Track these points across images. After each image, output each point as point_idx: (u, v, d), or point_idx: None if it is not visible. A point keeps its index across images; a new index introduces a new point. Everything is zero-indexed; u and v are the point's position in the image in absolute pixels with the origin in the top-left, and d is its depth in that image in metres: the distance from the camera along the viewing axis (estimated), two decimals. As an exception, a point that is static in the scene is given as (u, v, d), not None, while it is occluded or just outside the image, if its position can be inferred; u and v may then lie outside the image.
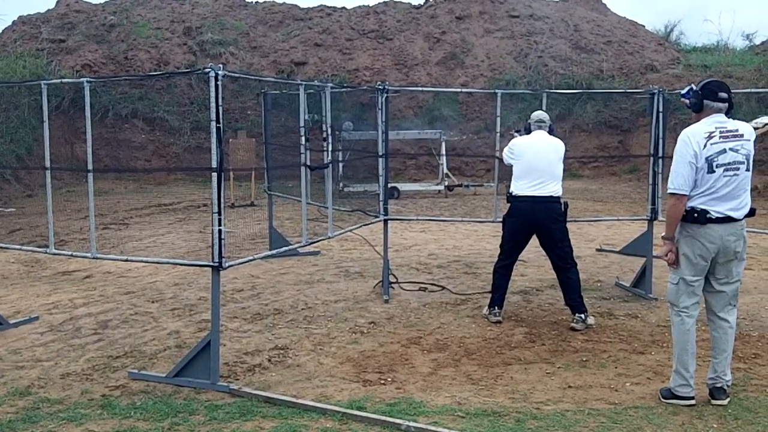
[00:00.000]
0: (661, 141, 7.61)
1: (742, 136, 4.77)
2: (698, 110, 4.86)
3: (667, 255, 4.91)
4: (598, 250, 10.41)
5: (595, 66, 22.34)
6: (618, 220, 10.05)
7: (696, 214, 4.74)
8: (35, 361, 5.72)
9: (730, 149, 4.72)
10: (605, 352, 5.90)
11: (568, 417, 4.59)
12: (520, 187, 6.75)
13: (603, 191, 17.46)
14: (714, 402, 4.81)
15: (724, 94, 4.80)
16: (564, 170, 6.90)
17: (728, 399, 4.82)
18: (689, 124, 4.93)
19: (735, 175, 4.71)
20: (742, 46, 25.67)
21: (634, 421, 4.54)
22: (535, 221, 6.70)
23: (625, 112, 20.67)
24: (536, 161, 6.72)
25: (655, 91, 7.63)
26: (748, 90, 17.11)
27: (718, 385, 4.85)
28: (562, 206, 6.76)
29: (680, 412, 4.67)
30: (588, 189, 17.78)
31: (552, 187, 6.68)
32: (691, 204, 4.76)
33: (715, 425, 4.47)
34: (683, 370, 4.82)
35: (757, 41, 25.60)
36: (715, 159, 4.70)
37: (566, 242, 6.77)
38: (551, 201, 6.67)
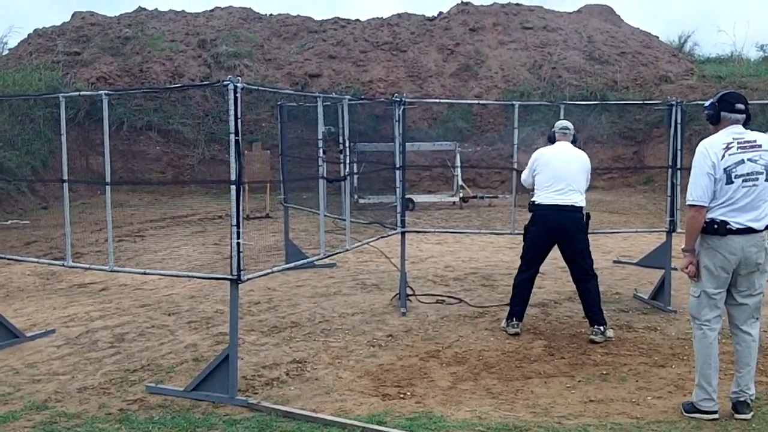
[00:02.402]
0: (678, 152, 7.55)
1: (760, 146, 4.73)
2: (716, 122, 4.84)
3: (687, 267, 4.87)
4: (615, 262, 10.33)
5: (609, 77, 22.29)
6: (636, 232, 9.98)
7: (716, 226, 4.70)
8: (52, 375, 5.72)
9: (749, 160, 4.69)
10: (625, 366, 5.83)
11: (590, 431, 4.54)
12: (543, 196, 6.72)
13: (618, 203, 17.36)
14: (737, 416, 4.74)
15: (741, 105, 4.78)
16: (589, 183, 6.89)
17: (752, 413, 4.75)
18: (704, 136, 4.91)
19: (754, 185, 4.68)
20: (756, 57, 25.58)
21: (657, 436, 4.48)
22: (558, 230, 6.66)
23: (639, 123, 20.60)
24: (561, 170, 6.70)
25: (674, 102, 7.58)
26: (763, 101, 17.02)
27: (742, 399, 4.78)
28: (585, 217, 6.73)
29: (703, 427, 4.60)
30: (603, 200, 17.69)
31: (575, 196, 6.65)
32: (710, 215, 4.72)
33: (739, 440, 4.41)
34: (706, 384, 4.76)
35: (772, 52, 25.50)
36: (734, 170, 4.67)
37: (587, 253, 6.73)
38: (574, 210, 6.64)
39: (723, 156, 4.69)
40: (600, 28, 24.55)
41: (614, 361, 5.94)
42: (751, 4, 43.92)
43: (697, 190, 4.72)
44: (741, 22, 48.41)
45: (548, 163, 6.79)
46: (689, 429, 4.57)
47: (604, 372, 5.69)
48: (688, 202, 4.79)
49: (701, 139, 4.87)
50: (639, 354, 6.14)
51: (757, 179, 4.68)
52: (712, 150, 4.71)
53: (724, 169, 4.67)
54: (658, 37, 25.51)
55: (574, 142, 7.01)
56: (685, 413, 4.80)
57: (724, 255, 4.70)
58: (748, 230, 4.68)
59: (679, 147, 7.54)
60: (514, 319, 6.79)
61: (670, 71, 22.76)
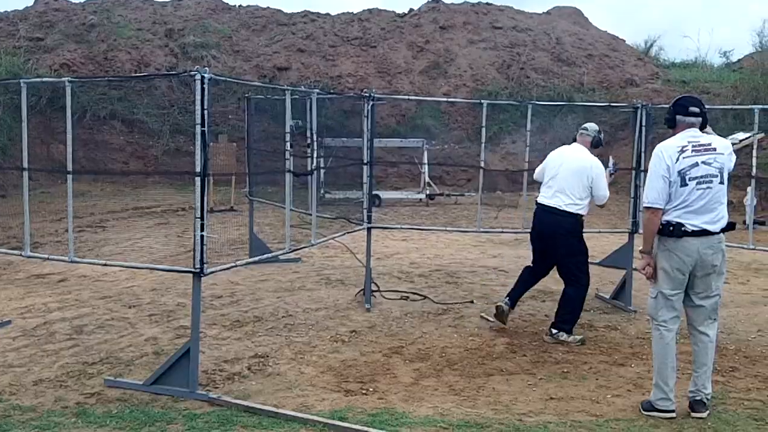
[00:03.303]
0: (642, 155, 7.65)
1: (714, 149, 4.81)
2: (672, 126, 4.95)
3: (644, 269, 4.95)
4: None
5: (576, 79, 22.51)
6: (599, 232, 10.07)
7: (671, 228, 4.77)
8: (7, 367, 5.59)
9: (703, 162, 4.77)
10: (586, 364, 5.89)
11: (550, 429, 4.57)
12: (540, 195, 6.81)
13: (582, 203, 17.52)
14: (693, 415, 4.81)
15: (695, 109, 4.88)
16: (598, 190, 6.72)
17: (708, 412, 4.83)
18: (667, 139, 4.98)
19: (708, 188, 4.75)
20: (719, 63, 26.04)
21: (616, 433, 4.53)
22: (542, 230, 6.72)
23: (605, 126, 20.67)
24: (555, 172, 6.70)
25: (639, 105, 7.68)
26: (726, 106, 17.33)
27: (698, 398, 4.86)
28: (574, 222, 6.63)
29: (660, 425, 4.66)
30: (567, 200, 17.85)
31: (563, 199, 6.58)
32: (666, 218, 4.79)
33: (695, 438, 4.48)
34: (663, 384, 4.82)
35: (734, 59, 25.99)
36: (688, 172, 4.75)
37: (572, 259, 6.65)
38: (558, 213, 6.58)
39: (677, 159, 4.77)
40: (568, 30, 24.77)
41: (575, 360, 6.00)
42: (716, 13, 44.76)
43: (652, 193, 4.81)
44: (705, 30, 49.32)
45: (548, 163, 6.83)
46: (647, 427, 4.63)
47: (565, 370, 5.74)
48: (643, 205, 4.89)
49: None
50: (599, 353, 6.21)
51: (712, 182, 4.75)
52: (667, 153, 4.80)
53: (678, 172, 4.75)
54: (624, 41, 25.83)
55: (597, 145, 6.90)
56: (643, 411, 4.87)
57: (679, 257, 4.77)
58: (704, 232, 4.74)
59: (643, 149, 7.65)
60: (507, 298, 6.87)
61: (636, 75, 23.06)
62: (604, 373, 5.68)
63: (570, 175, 6.63)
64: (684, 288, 4.85)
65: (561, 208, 6.59)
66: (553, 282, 8.98)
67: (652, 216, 4.83)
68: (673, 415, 4.78)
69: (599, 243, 11.51)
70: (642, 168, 7.64)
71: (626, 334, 6.81)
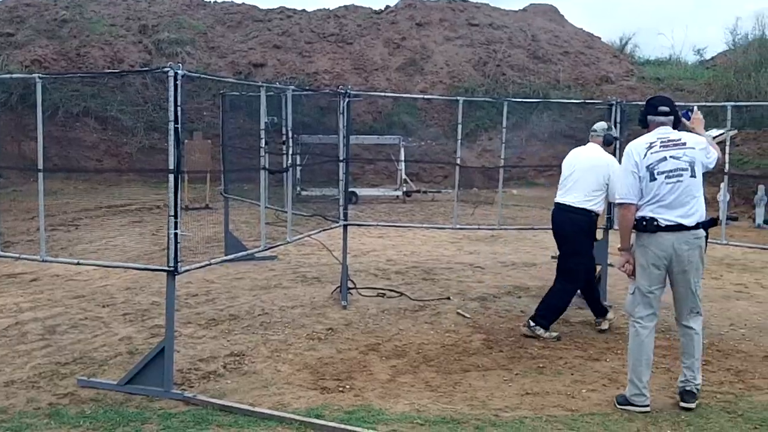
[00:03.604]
0: (617, 152, 7.69)
1: (685, 144, 4.88)
2: (645, 126, 5.05)
3: (623, 266, 5.00)
4: (553, 257, 10.47)
5: (551, 76, 22.65)
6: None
7: (645, 223, 4.83)
8: (-22, 367, 5.51)
9: (671, 157, 4.83)
10: (561, 359, 5.93)
11: (526, 424, 4.58)
12: (556, 195, 6.87)
13: (558, 199, 17.63)
14: (682, 404, 4.87)
15: (664, 108, 4.98)
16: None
17: (697, 402, 4.87)
18: (640, 135, 5.05)
19: (678, 181, 4.80)
20: (693, 61, 26.37)
21: (590, 427, 4.55)
22: (555, 229, 6.80)
23: (580, 122, 20.83)
24: (570, 170, 6.75)
25: (613, 102, 7.72)
26: (699, 103, 17.50)
27: (688, 389, 4.91)
28: (587, 219, 6.63)
29: (635, 419, 4.70)
30: (543, 197, 17.93)
31: (576, 196, 6.60)
32: (640, 213, 4.85)
33: (668, 431, 4.50)
34: (637, 381, 4.86)
35: (708, 56, 26.32)
36: (656, 167, 4.82)
37: (575, 257, 6.64)
38: (570, 210, 6.62)
39: (645, 155, 4.85)
40: (544, 28, 24.92)
41: (551, 355, 6.03)
42: (690, 11, 45.27)
43: (622, 189, 4.92)
44: (680, 28, 49.91)
45: (564, 164, 6.90)
46: (622, 421, 4.67)
47: (541, 365, 5.76)
48: (616, 201, 4.94)
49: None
50: (575, 348, 6.25)
51: (681, 175, 4.80)
52: (636, 150, 4.89)
53: (647, 167, 4.82)
54: (600, 38, 26.04)
55: (609, 142, 6.91)
56: (617, 405, 4.90)
57: (654, 252, 4.81)
58: (678, 227, 4.78)
59: (618, 146, 7.68)
60: (596, 318, 6.92)
61: (611, 72, 23.26)
62: (580, 368, 5.71)
63: (583, 173, 6.66)
64: (662, 284, 4.89)
65: (573, 205, 6.62)
66: (528, 278, 9.07)
67: (624, 212, 4.91)
68: (647, 409, 4.82)
69: (575, 239, 11.62)
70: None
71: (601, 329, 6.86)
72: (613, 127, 7.23)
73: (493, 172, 11.55)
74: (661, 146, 4.86)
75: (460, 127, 7.97)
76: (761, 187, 13.11)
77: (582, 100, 18.61)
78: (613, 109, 7.64)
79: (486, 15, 24.88)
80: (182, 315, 6.92)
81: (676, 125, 5.02)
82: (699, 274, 4.90)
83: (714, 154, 4.98)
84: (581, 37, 25.29)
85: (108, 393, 5.00)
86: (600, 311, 6.91)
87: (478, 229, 10.98)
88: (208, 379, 5.33)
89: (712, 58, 25.60)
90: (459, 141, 8.01)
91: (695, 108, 5.51)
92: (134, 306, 7.34)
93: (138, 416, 4.61)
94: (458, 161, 8.11)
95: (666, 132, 4.94)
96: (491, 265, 9.86)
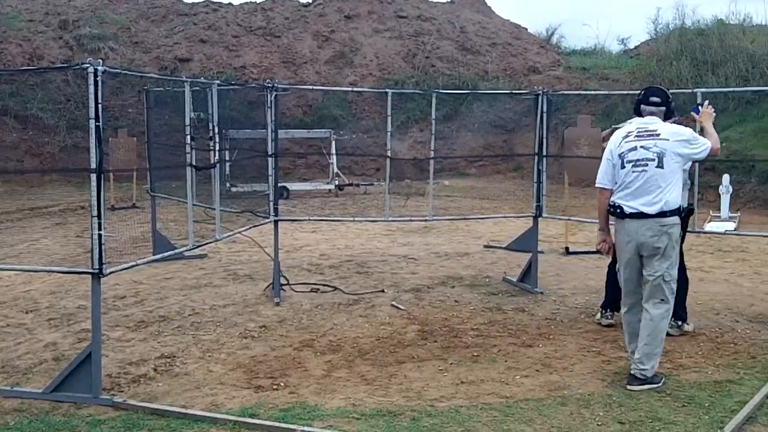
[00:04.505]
0: (545, 140, 7.82)
1: (658, 135, 5.09)
2: (640, 115, 5.29)
3: (600, 245, 5.39)
4: (485, 246, 10.63)
5: (480, 67, 22.89)
6: (505, 217, 10.30)
7: (613, 209, 5.14)
8: None
9: (642, 147, 5.06)
10: (495, 347, 6.00)
11: (461, 413, 4.62)
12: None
13: (489, 189, 17.88)
14: (628, 387, 5.01)
15: (655, 99, 5.26)
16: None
17: (641, 386, 4.99)
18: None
19: (643, 170, 5.02)
20: (618, 50, 27.01)
21: (525, 413, 4.62)
22: None
23: (509, 113, 21.26)
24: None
25: (539, 92, 7.83)
26: (624, 91, 17.96)
27: (632, 372, 5.08)
28: None
29: (569, 403, 4.79)
30: (475, 187, 18.19)
31: None
32: (612, 199, 5.15)
33: (601, 413, 4.61)
34: (627, 346, 5.31)
35: (631, 45, 27.01)
36: (626, 155, 5.09)
37: None
38: None
39: (620, 143, 5.15)
40: (472, 19, 25.15)
41: (485, 343, 6.10)
42: (614, 1, 46.43)
43: (599, 174, 5.25)
44: (604, 18, 51.17)
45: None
46: (555, 405, 4.75)
47: (475, 354, 5.83)
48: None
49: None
50: (508, 335, 6.34)
51: (647, 165, 5.02)
52: (615, 138, 5.24)
53: (619, 155, 5.11)
54: (527, 29, 26.42)
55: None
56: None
57: (622, 237, 5.11)
58: (641, 214, 5.00)
59: (545, 135, 7.81)
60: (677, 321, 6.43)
61: (539, 62, 23.64)
62: (513, 355, 5.80)
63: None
64: (636, 267, 5.12)
65: None
66: (462, 268, 9.16)
67: (600, 195, 5.28)
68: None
69: (506, 228, 11.79)
70: (545, 153, 7.82)
71: (534, 315, 6.98)
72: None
73: (424, 164, 11.60)
74: (636, 136, 5.12)
75: (389, 119, 7.96)
76: (726, 176, 13.15)
77: (510, 91, 18.91)
78: (540, 98, 7.75)
79: (414, 7, 24.96)
80: (110, 318, 6.74)
81: (669, 116, 5.28)
82: (670, 262, 5.06)
83: (703, 145, 5.18)
84: (508, 28, 25.62)
85: (33, 402, 4.82)
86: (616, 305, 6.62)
87: (411, 220, 11.02)
88: (138, 383, 5.21)
89: (636, 48, 26.25)
90: (389, 133, 8.00)
91: (706, 102, 5.77)
92: (59, 311, 7.10)
93: (65, 425, 4.47)
94: (389, 153, 8.11)
95: (648, 122, 5.19)
96: (425, 256, 9.91)
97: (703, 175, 7.91)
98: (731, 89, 15.33)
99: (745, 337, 6.22)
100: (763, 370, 5.34)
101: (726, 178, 12.95)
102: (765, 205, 14.57)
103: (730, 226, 11.83)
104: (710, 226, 11.55)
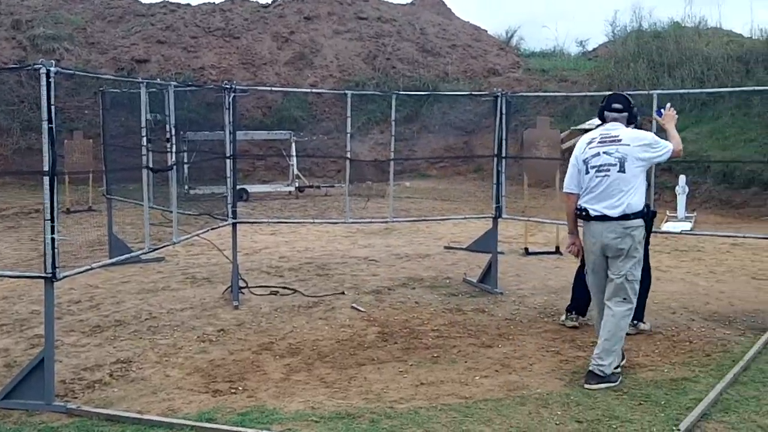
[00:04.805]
0: (504, 142, 7.87)
1: (620, 141, 5.22)
2: (604, 121, 5.42)
3: (569, 248, 5.54)
4: (446, 247, 10.67)
5: (440, 69, 23.01)
6: (465, 218, 10.36)
7: (581, 212, 5.26)
8: None
9: (604, 152, 5.21)
10: (455, 348, 6.02)
11: (421, 414, 4.62)
12: None
13: (449, 190, 17.97)
14: (585, 386, 5.04)
15: (617, 105, 5.40)
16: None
17: (598, 385, 5.02)
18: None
19: (606, 175, 5.17)
20: (576, 52, 27.39)
21: (484, 413, 4.63)
22: None
23: (469, 114, 21.41)
24: None
25: (499, 93, 7.89)
26: (582, 93, 18.22)
27: (590, 368, 5.13)
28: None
29: (527, 402, 4.82)
30: (435, 188, 18.26)
31: None
32: (579, 202, 5.28)
33: (559, 412, 4.64)
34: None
35: (590, 48, 27.41)
36: (590, 161, 5.24)
37: None
38: None
39: (584, 149, 5.30)
40: (432, 21, 25.27)
41: (444, 344, 6.11)
42: (572, 4, 47.10)
43: (566, 180, 5.42)
44: (563, 20, 51.85)
45: None
46: (514, 405, 4.77)
47: (435, 355, 5.83)
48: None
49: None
50: (468, 336, 6.36)
51: (609, 170, 5.16)
52: (580, 144, 5.37)
53: (584, 161, 5.26)
54: (486, 31, 26.64)
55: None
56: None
57: (588, 239, 5.26)
58: (604, 217, 5.14)
59: (504, 136, 7.86)
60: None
61: (498, 64, 23.85)
62: (473, 356, 5.81)
63: None
64: (603, 268, 5.24)
65: None
66: (422, 269, 9.17)
67: (566, 200, 5.45)
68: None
69: (466, 229, 11.86)
70: (504, 155, 7.87)
71: (493, 316, 7.02)
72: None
73: (385, 165, 11.60)
74: (599, 142, 5.27)
75: (349, 120, 7.94)
76: (683, 177, 13.35)
77: (470, 92, 19.04)
78: (499, 100, 7.80)
79: (374, 8, 24.99)
80: (64, 323, 6.60)
81: (632, 121, 5.41)
82: (633, 263, 5.17)
83: (665, 147, 5.30)
84: (468, 30, 25.80)
85: (-18, 411, 4.69)
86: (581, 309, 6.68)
87: (372, 222, 11.02)
88: (93, 389, 5.10)
89: (594, 50, 26.63)
90: (349, 135, 7.98)
91: (668, 105, 5.87)
92: (11, 316, 6.93)
93: (16, 433, 4.36)
94: (349, 155, 8.10)
95: (611, 128, 5.32)
96: (385, 257, 9.91)
97: (659, 175, 8.06)
98: (687, 91, 15.61)
99: (700, 336, 6.33)
100: (718, 368, 5.43)
101: (682, 178, 13.18)
102: (720, 205, 14.89)
103: (687, 226, 12.07)
104: (667, 226, 11.76)
